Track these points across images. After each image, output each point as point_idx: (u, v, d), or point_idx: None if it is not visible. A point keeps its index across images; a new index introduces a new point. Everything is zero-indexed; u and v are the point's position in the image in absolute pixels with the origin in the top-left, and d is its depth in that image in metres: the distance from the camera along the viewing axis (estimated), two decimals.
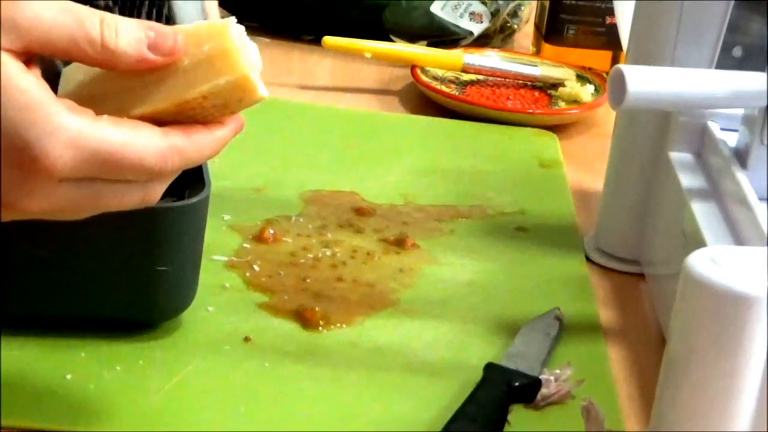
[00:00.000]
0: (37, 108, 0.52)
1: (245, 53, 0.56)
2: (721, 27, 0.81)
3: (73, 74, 0.58)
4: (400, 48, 1.21)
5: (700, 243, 0.72)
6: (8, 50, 0.52)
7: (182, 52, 0.56)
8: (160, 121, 0.56)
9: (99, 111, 0.55)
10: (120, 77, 0.56)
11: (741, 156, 0.78)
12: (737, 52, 0.84)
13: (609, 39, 1.25)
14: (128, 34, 0.55)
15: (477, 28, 1.29)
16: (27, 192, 0.54)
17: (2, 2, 0.52)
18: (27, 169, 0.53)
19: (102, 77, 0.57)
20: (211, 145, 0.58)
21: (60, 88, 0.58)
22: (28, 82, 0.52)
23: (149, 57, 0.55)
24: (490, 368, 0.72)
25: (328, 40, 1.18)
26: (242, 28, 0.57)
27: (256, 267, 0.82)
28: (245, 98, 0.57)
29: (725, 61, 0.83)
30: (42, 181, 0.53)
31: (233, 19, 0.57)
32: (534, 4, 1.32)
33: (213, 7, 0.77)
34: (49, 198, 0.54)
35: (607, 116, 1.13)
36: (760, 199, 0.73)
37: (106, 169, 0.54)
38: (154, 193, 0.57)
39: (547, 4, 1.26)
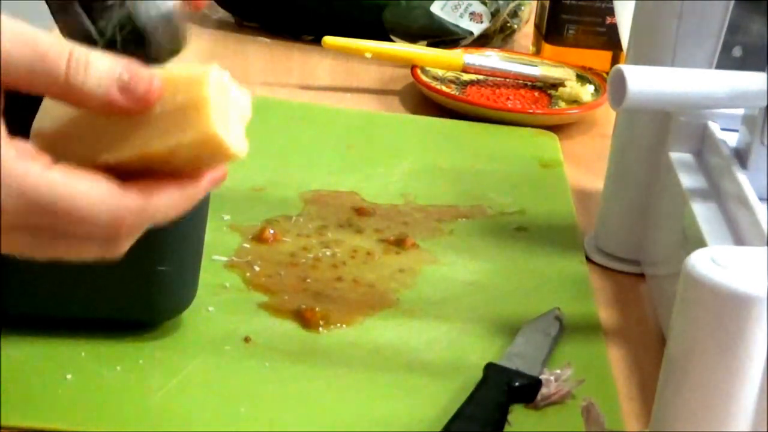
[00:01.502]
0: None
1: (221, 106, 0.53)
2: (721, 27, 0.81)
3: (52, 107, 0.55)
4: (400, 48, 1.21)
5: (700, 243, 0.72)
6: None
7: (156, 99, 0.52)
8: (128, 169, 0.53)
9: (68, 152, 0.52)
10: (95, 117, 0.53)
11: (741, 156, 0.78)
12: (737, 52, 0.84)
13: (609, 39, 1.25)
14: (99, 72, 0.51)
15: (477, 28, 1.29)
16: None
17: None
18: None
19: (78, 115, 0.54)
20: (178, 203, 0.54)
21: (36, 119, 0.55)
22: None
23: (118, 100, 0.52)
24: (490, 368, 0.72)
25: (328, 40, 1.18)
26: (226, 74, 0.54)
27: (256, 267, 0.82)
28: (217, 155, 0.53)
29: (725, 61, 0.83)
30: None
31: (215, 67, 0.53)
32: (534, 4, 1.32)
33: None
34: None
35: (607, 116, 1.13)
36: (760, 199, 0.73)
37: (53, 222, 0.51)
38: (114, 250, 0.54)
39: (547, 4, 1.26)
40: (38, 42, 0.51)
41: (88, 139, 0.53)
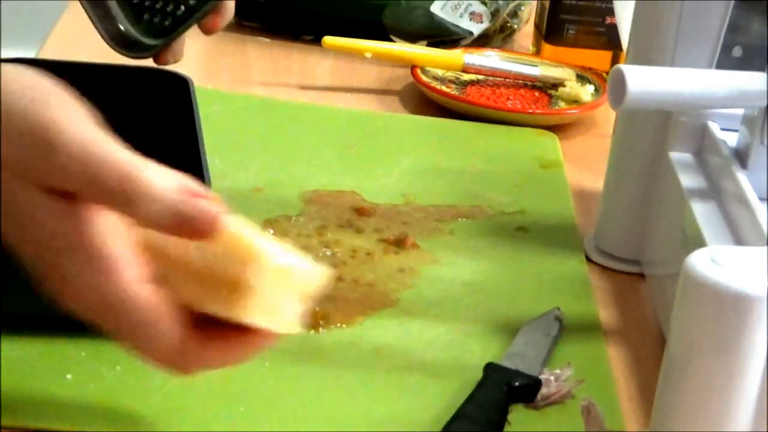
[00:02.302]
0: (69, 249, 0.53)
1: (270, 293, 0.55)
2: (721, 27, 0.81)
3: None
4: (400, 48, 1.21)
5: (700, 243, 0.72)
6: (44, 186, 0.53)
7: (214, 235, 0.54)
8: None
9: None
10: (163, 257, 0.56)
11: (741, 156, 0.78)
12: (737, 52, 0.84)
13: (609, 39, 1.25)
14: (161, 201, 0.53)
15: (477, 28, 1.29)
16: (57, 294, 0.56)
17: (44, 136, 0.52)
18: (52, 285, 0.55)
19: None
20: (237, 352, 0.58)
21: None
22: (60, 223, 0.53)
23: (174, 229, 0.54)
24: (490, 368, 0.72)
25: (328, 40, 1.18)
26: (296, 263, 0.56)
27: None
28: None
29: (725, 61, 0.83)
30: (64, 298, 0.56)
31: (276, 251, 0.55)
32: (534, 4, 1.32)
33: None
34: (71, 306, 0.56)
35: (607, 116, 1.13)
36: (760, 199, 0.73)
37: (117, 330, 0.56)
38: (169, 366, 0.58)
39: (547, 4, 1.26)
40: (101, 162, 0.52)
41: (157, 265, 0.55)
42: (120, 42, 0.77)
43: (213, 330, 0.56)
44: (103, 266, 0.54)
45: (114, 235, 0.54)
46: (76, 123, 0.53)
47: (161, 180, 0.53)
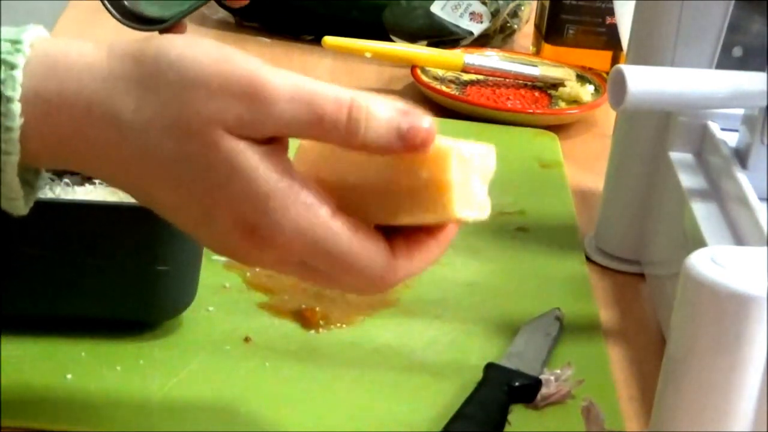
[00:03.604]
0: (274, 196, 0.53)
1: (464, 183, 0.55)
2: (721, 27, 0.81)
3: (307, 150, 0.58)
4: (400, 48, 1.21)
5: (700, 243, 0.72)
6: (248, 139, 0.53)
7: (430, 144, 0.54)
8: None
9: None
10: (349, 180, 0.56)
11: (741, 156, 0.78)
12: (737, 52, 0.84)
13: (609, 39, 1.25)
14: (378, 128, 0.54)
15: (477, 28, 1.29)
16: (254, 258, 0.56)
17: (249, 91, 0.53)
18: (255, 244, 0.54)
19: (334, 159, 0.57)
20: (434, 255, 0.57)
21: (297, 156, 0.58)
22: (266, 171, 0.53)
23: (396, 149, 0.54)
24: (490, 368, 0.72)
25: (328, 40, 1.18)
26: (468, 146, 0.56)
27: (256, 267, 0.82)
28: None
29: (725, 61, 0.83)
30: (267, 255, 0.55)
31: (458, 147, 0.55)
32: (534, 4, 1.32)
33: None
34: (274, 265, 0.56)
35: (607, 116, 1.13)
36: (760, 199, 0.73)
37: (326, 266, 0.55)
38: (374, 294, 0.59)
39: (547, 4, 1.26)
40: (315, 102, 0.53)
41: (345, 198, 0.56)
42: (127, 16, 0.77)
43: (404, 239, 0.56)
44: (312, 206, 0.54)
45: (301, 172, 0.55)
46: (272, 70, 0.54)
47: (378, 104, 0.54)
